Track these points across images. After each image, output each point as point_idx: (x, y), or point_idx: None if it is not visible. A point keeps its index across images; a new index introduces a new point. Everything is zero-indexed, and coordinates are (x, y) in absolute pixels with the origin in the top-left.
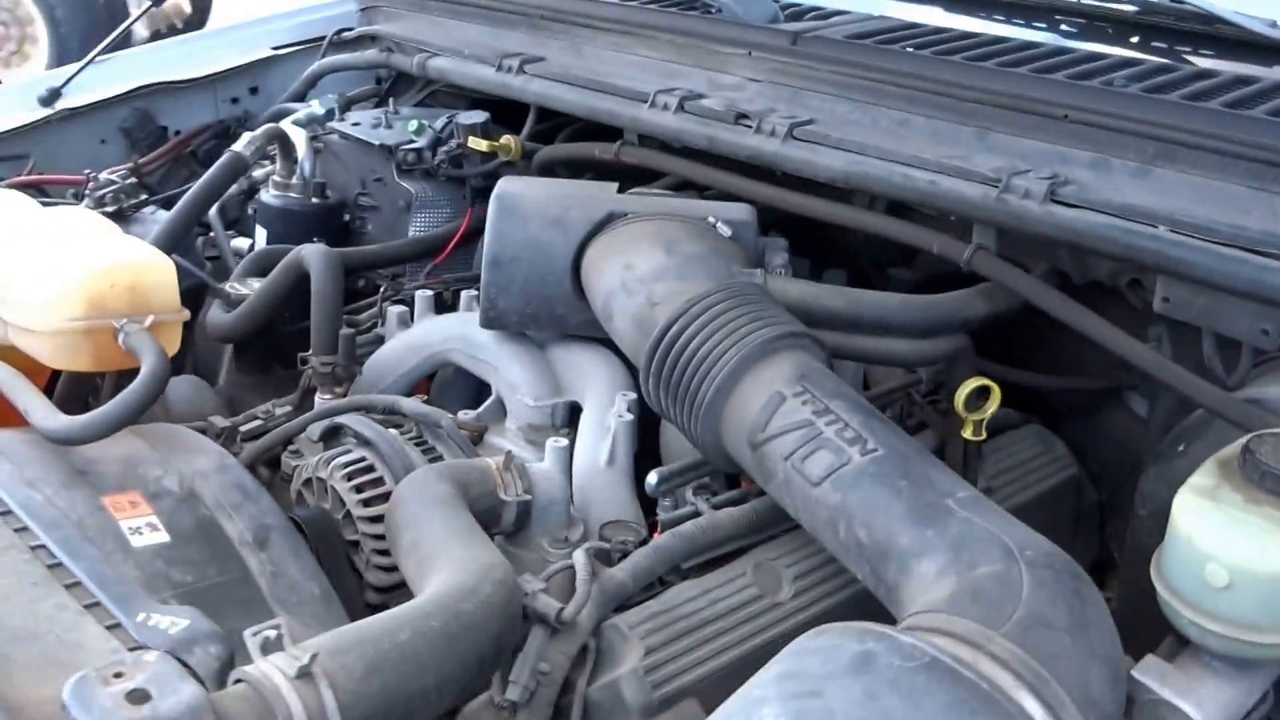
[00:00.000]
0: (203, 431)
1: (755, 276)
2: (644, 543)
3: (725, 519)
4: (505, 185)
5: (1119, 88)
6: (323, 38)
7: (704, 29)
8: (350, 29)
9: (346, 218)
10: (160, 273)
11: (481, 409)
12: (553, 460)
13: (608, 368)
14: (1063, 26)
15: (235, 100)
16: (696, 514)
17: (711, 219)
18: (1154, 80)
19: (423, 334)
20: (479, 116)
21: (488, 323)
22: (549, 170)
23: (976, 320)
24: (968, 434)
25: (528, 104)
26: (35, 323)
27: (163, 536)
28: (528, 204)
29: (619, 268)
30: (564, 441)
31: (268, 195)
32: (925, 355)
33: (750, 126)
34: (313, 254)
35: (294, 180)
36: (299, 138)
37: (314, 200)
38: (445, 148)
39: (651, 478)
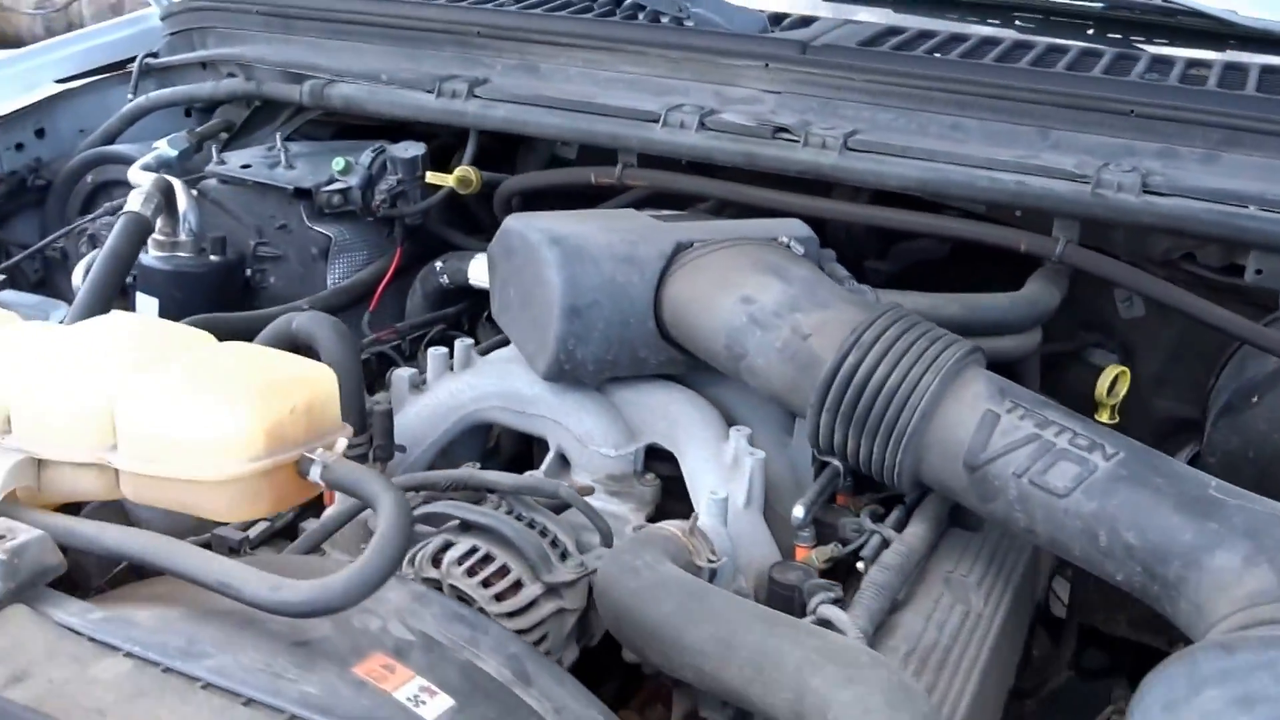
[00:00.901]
0: (207, 546)
1: (865, 293)
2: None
3: (918, 542)
4: (544, 226)
5: (1184, 83)
6: (115, 66)
7: (697, 42)
8: (155, 54)
9: (248, 272)
10: (328, 384)
11: (544, 466)
12: (713, 513)
13: (692, 405)
14: (1016, 24)
15: (20, 147)
16: (884, 542)
17: (783, 239)
18: (1189, 73)
19: (450, 396)
20: (417, 148)
21: (559, 375)
22: (515, 202)
23: (1055, 309)
24: (1104, 418)
25: (463, 131)
26: (205, 471)
27: (446, 700)
28: (593, 244)
29: (735, 301)
30: (723, 493)
31: (151, 258)
32: (1024, 350)
33: (796, 140)
34: (314, 324)
35: (181, 237)
36: (178, 187)
37: (214, 258)
38: (384, 185)
39: (798, 511)
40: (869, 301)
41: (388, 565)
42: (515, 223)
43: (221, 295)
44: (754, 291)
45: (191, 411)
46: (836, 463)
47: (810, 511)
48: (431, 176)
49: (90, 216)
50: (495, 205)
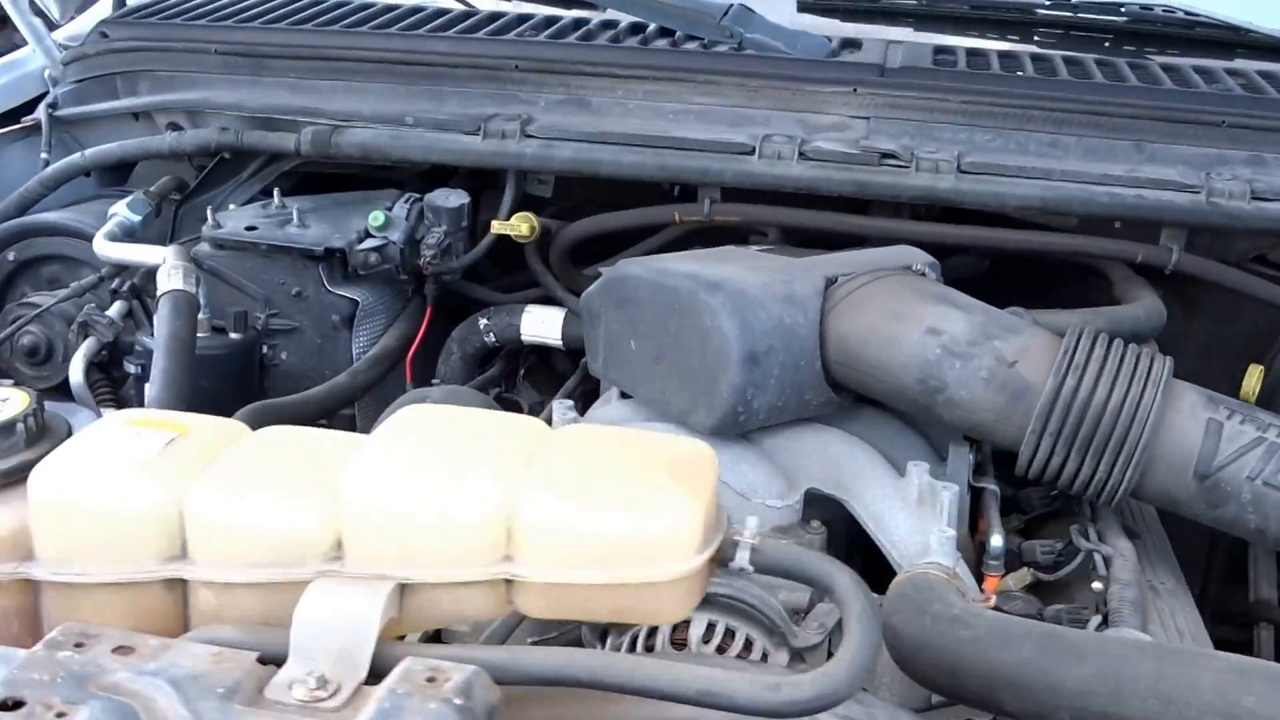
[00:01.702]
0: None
1: (1024, 315)
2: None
3: (1132, 555)
4: (684, 270)
5: (1252, 92)
6: None
7: (772, 70)
8: (55, 105)
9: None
10: (713, 460)
11: None
12: (947, 552)
13: (853, 445)
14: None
15: None
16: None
17: (917, 265)
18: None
19: None
20: (460, 196)
21: (730, 428)
22: (577, 247)
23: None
24: None
25: (500, 173)
26: (655, 572)
27: None
28: (753, 286)
29: (921, 334)
30: (952, 531)
31: (150, 341)
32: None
33: (905, 165)
34: (459, 401)
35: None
36: (175, 258)
37: (234, 335)
38: (433, 239)
39: (997, 540)
40: (1050, 323)
41: (875, 646)
42: (637, 269)
43: (246, 379)
44: (937, 322)
45: (630, 507)
46: (993, 487)
47: (1005, 540)
48: (502, 227)
49: (58, 298)
50: (555, 252)
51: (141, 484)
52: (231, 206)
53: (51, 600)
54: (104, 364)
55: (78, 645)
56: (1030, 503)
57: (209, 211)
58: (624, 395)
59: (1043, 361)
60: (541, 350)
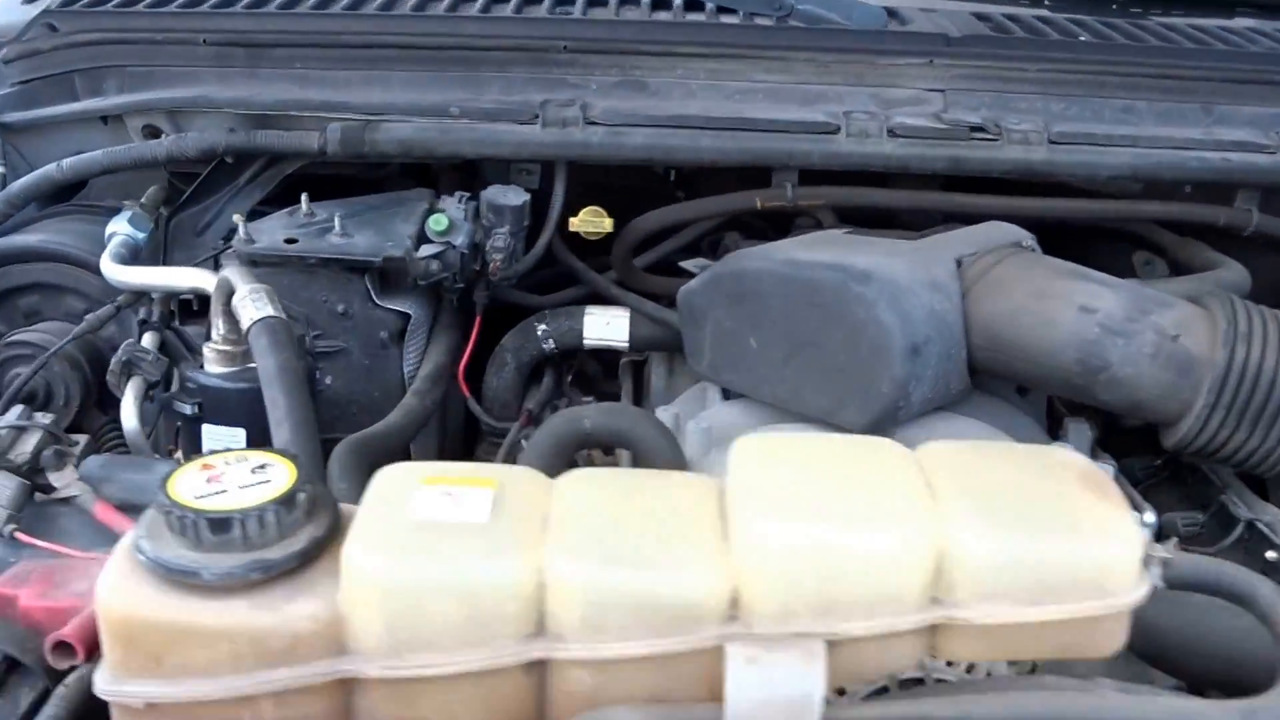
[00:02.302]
0: None
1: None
2: None
3: None
4: (818, 260)
5: None
6: None
7: (841, 44)
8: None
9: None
10: (1097, 469)
11: None
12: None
13: (984, 431)
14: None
15: None
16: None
17: (1026, 242)
18: None
19: None
20: (520, 193)
21: (884, 425)
22: (644, 242)
23: None
24: None
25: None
26: (1111, 603)
27: None
28: (900, 274)
29: (1075, 313)
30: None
31: (215, 378)
32: None
33: (994, 139)
34: (627, 421)
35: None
36: (246, 279)
37: None
38: (499, 241)
39: (1150, 516)
40: (1192, 291)
41: None
42: (758, 263)
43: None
44: (1088, 300)
45: (1074, 531)
46: (1111, 463)
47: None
48: (580, 223)
49: (74, 334)
50: (620, 248)
51: (494, 554)
52: (236, 218)
53: (378, 701)
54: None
55: None
56: (1133, 474)
57: (240, 224)
58: (726, 396)
59: (1203, 334)
60: (569, 353)
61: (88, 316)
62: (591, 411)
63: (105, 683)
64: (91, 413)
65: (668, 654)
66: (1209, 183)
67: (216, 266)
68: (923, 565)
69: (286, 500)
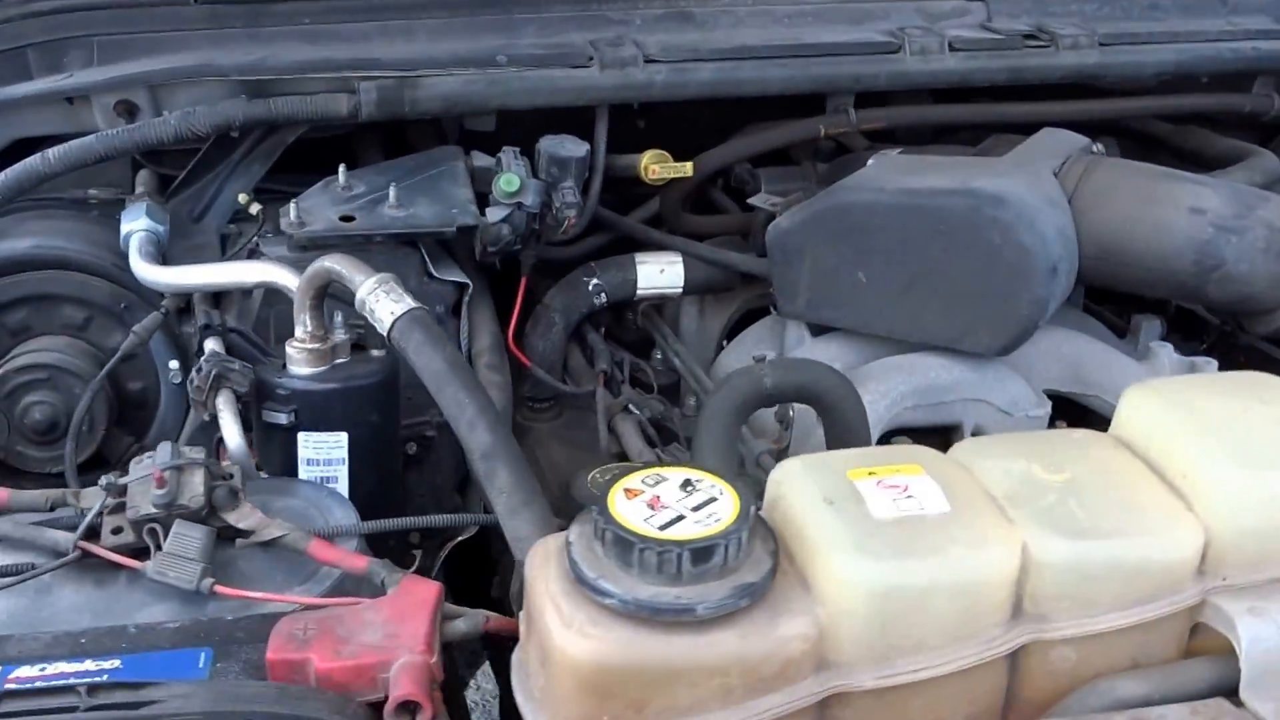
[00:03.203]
0: None
1: None
2: None
3: None
4: (937, 186)
5: None
6: None
7: None
8: None
9: None
10: None
11: None
12: None
13: (1079, 339)
14: None
15: None
16: None
17: (1096, 147)
18: None
19: None
20: (580, 144)
21: (1018, 345)
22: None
23: None
24: None
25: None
26: None
27: None
28: (1028, 195)
29: (1186, 215)
30: None
31: (305, 379)
32: None
33: (1047, 45)
34: (818, 376)
35: (339, 336)
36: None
37: (374, 352)
38: (567, 198)
39: None
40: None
41: None
42: (867, 196)
43: (389, 404)
44: (1195, 201)
45: None
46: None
47: None
48: (660, 169)
49: (122, 352)
50: (677, 192)
51: (981, 544)
52: (242, 198)
53: (862, 711)
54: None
55: None
56: None
57: (292, 206)
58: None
59: None
60: (618, 306)
61: (135, 329)
62: (769, 369)
63: None
64: (114, 434)
65: (1150, 619)
66: (1239, 72)
67: (250, 257)
68: None
69: (746, 516)
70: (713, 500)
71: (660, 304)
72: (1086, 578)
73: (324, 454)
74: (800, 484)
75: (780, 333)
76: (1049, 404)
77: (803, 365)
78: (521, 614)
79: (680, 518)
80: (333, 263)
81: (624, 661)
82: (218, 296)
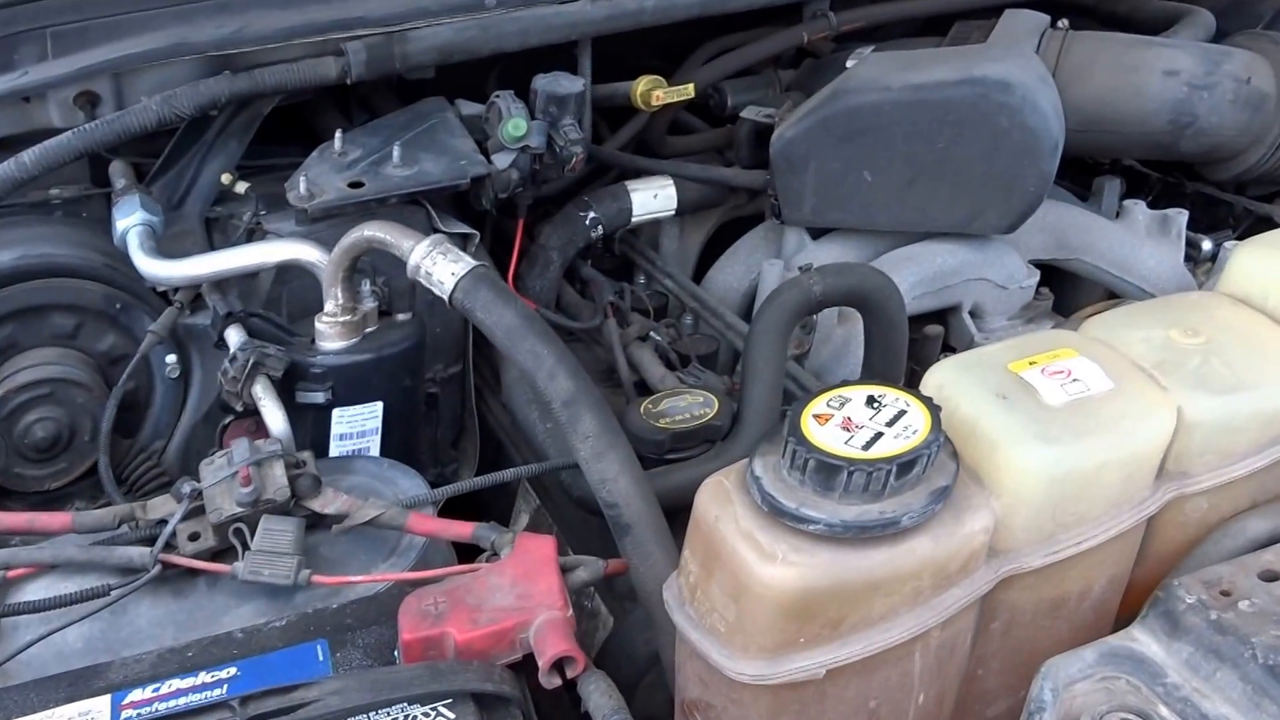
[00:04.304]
0: None
1: None
2: None
3: None
4: (942, 78)
5: None
6: None
7: None
8: None
9: None
10: None
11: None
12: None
13: (1058, 207)
14: None
15: None
16: None
17: (1061, 23)
18: None
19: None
20: (574, 79)
21: (1022, 222)
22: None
23: None
24: None
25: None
26: None
27: None
28: (1026, 77)
29: (1160, 78)
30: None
31: (339, 353)
32: None
33: None
34: (870, 280)
35: (367, 305)
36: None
37: (400, 316)
38: (570, 136)
39: (1208, 245)
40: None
41: None
42: (873, 97)
43: (419, 371)
44: (1168, 64)
45: None
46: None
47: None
48: (664, 94)
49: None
50: (665, 115)
51: (1147, 414)
52: (226, 177)
53: (1025, 589)
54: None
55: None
56: None
57: (300, 178)
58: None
59: (1265, 71)
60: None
61: (151, 328)
62: (816, 276)
63: (760, 669)
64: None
65: (1274, 461)
66: None
67: (250, 237)
68: None
69: (938, 425)
70: (903, 413)
71: (635, 229)
72: (1230, 430)
73: (357, 426)
74: (967, 384)
75: (775, 240)
76: (1038, 273)
77: (850, 269)
78: (686, 552)
79: (879, 435)
80: (375, 230)
81: (830, 583)
82: (220, 284)
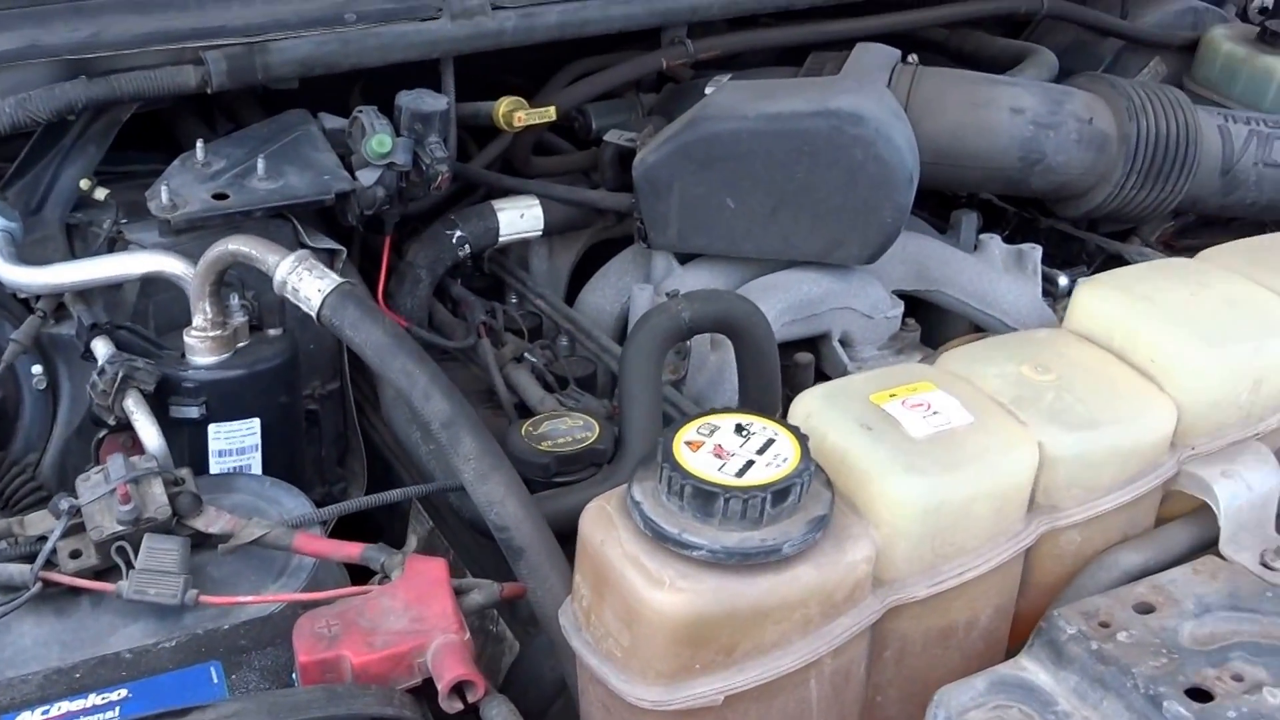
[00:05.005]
0: None
1: None
2: None
3: None
4: (798, 109)
5: None
6: None
7: None
8: None
9: None
10: None
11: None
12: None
13: (918, 239)
14: None
15: None
16: None
17: (910, 58)
18: None
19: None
20: (439, 98)
21: (882, 252)
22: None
23: None
24: None
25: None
26: None
27: None
28: (880, 111)
29: (1007, 115)
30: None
31: (210, 369)
32: None
33: None
34: (735, 308)
35: (237, 319)
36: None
37: (272, 331)
38: (436, 154)
39: (1065, 281)
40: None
41: None
42: (730, 124)
43: (294, 383)
44: (1014, 101)
45: None
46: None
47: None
48: (525, 116)
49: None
50: (529, 136)
51: (1009, 447)
52: (84, 183)
53: (913, 619)
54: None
55: (1102, 625)
56: None
57: (162, 188)
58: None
59: (1105, 113)
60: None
61: (13, 337)
62: (685, 303)
63: (659, 694)
64: None
65: (1140, 495)
66: None
67: (111, 246)
68: None
69: (809, 454)
70: (771, 442)
71: (505, 248)
72: (1091, 465)
73: (236, 443)
74: (832, 415)
75: (644, 264)
76: (902, 304)
77: (718, 296)
78: (578, 576)
79: (750, 463)
80: (240, 244)
81: (719, 609)
82: (85, 294)
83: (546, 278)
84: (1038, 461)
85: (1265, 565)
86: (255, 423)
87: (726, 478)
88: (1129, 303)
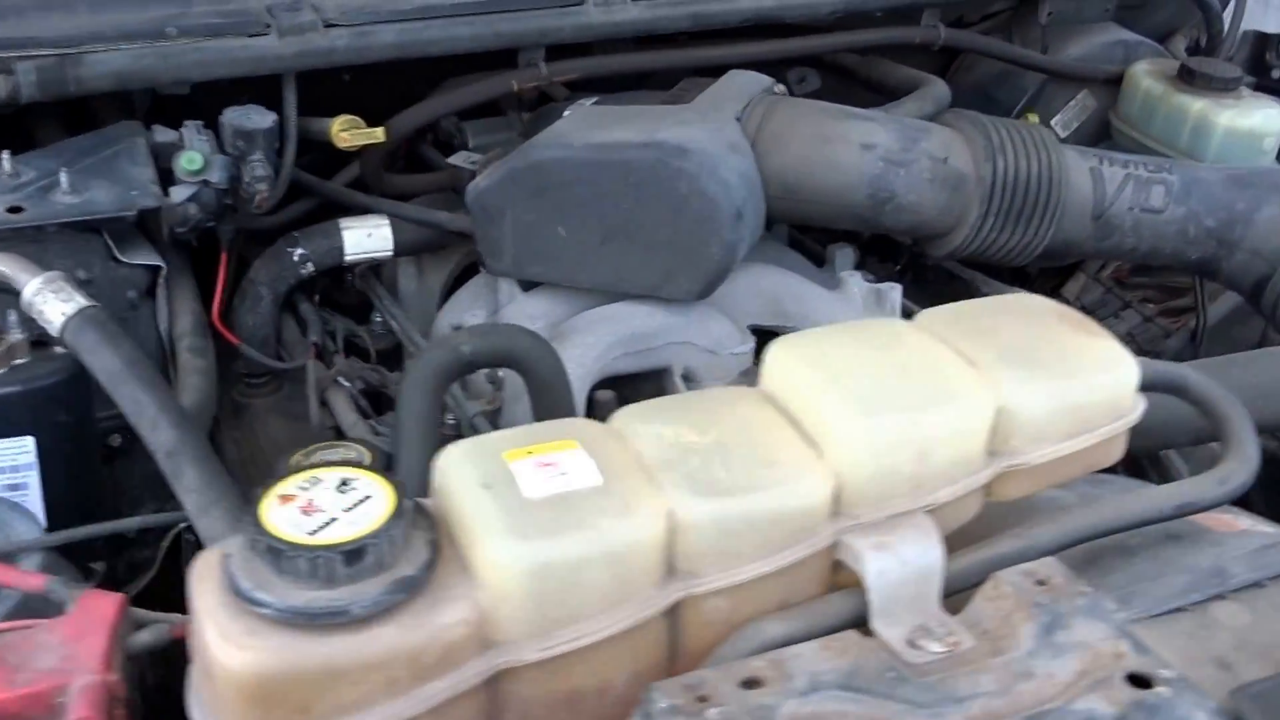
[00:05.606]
0: None
1: None
2: None
3: None
4: (621, 140)
5: None
6: None
7: None
8: None
9: None
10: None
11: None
12: None
13: (776, 274)
14: None
15: None
16: None
17: (778, 88)
18: None
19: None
20: (267, 114)
21: (714, 288)
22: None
23: None
24: None
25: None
26: (1129, 420)
27: None
28: (702, 142)
29: (857, 151)
30: None
31: None
32: None
33: None
34: (517, 341)
35: (16, 336)
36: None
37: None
38: (258, 171)
39: None
40: (918, 111)
41: None
42: (557, 152)
43: (80, 400)
44: (865, 137)
45: (1097, 368)
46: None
47: None
48: (350, 137)
49: None
50: (376, 155)
51: (628, 512)
52: None
53: (529, 683)
54: None
55: (701, 699)
56: None
57: None
58: (525, 290)
59: (963, 152)
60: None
61: None
62: (466, 336)
63: None
64: None
65: (792, 563)
66: (910, 5)
67: None
68: (986, 428)
69: (401, 513)
70: (367, 499)
71: (377, 266)
72: (727, 533)
73: (9, 460)
74: (460, 470)
75: (494, 289)
76: (753, 339)
77: (499, 330)
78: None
79: (333, 520)
80: (11, 262)
81: (283, 668)
82: None
83: (417, 297)
84: (664, 527)
85: (910, 644)
86: (29, 442)
87: (299, 535)
88: (807, 365)
